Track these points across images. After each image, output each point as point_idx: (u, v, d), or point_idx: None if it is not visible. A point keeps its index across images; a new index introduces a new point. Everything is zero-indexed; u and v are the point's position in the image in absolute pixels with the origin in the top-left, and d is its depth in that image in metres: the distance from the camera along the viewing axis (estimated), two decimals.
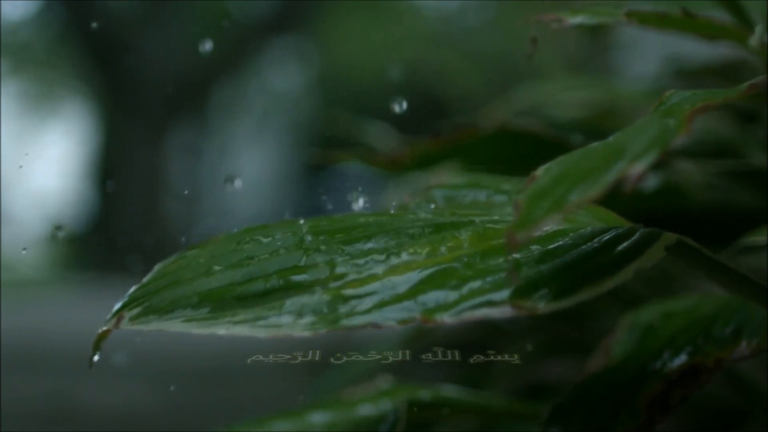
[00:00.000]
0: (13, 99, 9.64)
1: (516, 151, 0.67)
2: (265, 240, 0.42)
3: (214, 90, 7.68)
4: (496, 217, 0.45)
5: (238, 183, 0.73)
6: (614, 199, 0.68)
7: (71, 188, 8.31)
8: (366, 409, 0.54)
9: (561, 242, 0.41)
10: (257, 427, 0.56)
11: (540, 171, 0.39)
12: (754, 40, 0.50)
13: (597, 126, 0.76)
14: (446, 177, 0.55)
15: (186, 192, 7.74)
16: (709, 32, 0.54)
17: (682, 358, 0.47)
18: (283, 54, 8.33)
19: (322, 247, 0.41)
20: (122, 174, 7.24)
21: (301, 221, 0.44)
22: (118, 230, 7.17)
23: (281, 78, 9.01)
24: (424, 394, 0.57)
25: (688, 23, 0.53)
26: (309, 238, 0.42)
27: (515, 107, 0.87)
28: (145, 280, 0.42)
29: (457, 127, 0.67)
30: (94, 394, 1.76)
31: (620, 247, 0.40)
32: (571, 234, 0.42)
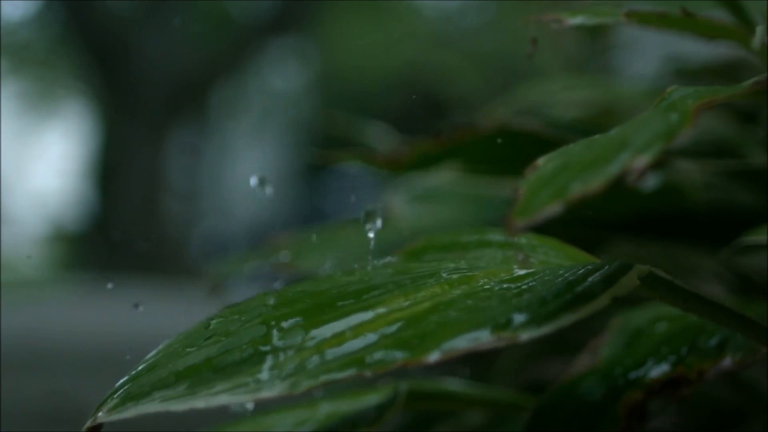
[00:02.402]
0: (13, 99, 9.65)
1: (516, 151, 0.66)
2: (236, 316, 0.42)
3: (214, 90, 7.69)
4: (467, 265, 0.44)
5: (268, 190, 0.72)
6: (615, 198, 0.68)
7: (71, 188, 8.31)
8: (367, 399, 0.54)
9: (537, 278, 0.41)
10: (260, 419, 0.56)
11: (542, 160, 0.38)
12: (756, 40, 0.50)
13: (597, 126, 0.76)
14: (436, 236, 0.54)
15: (186, 192, 7.75)
16: (709, 32, 0.54)
17: (664, 368, 0.47)
18: (283, 54, 8.33)
19: (296, 314, 0.41)
20: (122, 174, 7.24)
21: (269, 295, 0.44)
22: (118, 230, 7.17)
23: (281, 78, 9.01)
24: (428, 386, 0.57)
25: (688, 23, 0.53)
26: (281, 308, 0.42)
27: (515, 107, 0.87)
28: (126, 376, 0.42)
29: (457, 127, 0.67)
30: (94, 394, 1.76)
31: (595, 278, 0.40)
32: (546, 271, 0.42)
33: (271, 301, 0.43)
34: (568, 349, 0.85)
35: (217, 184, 9.14)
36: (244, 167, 9.65)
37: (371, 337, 0.38)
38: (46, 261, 8.02)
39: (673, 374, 0.47)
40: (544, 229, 0.36)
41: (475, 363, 0.94)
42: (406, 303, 0.40)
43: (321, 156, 0.77)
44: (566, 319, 0.37)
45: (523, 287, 0.40)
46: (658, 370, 0.47)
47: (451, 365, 1.04)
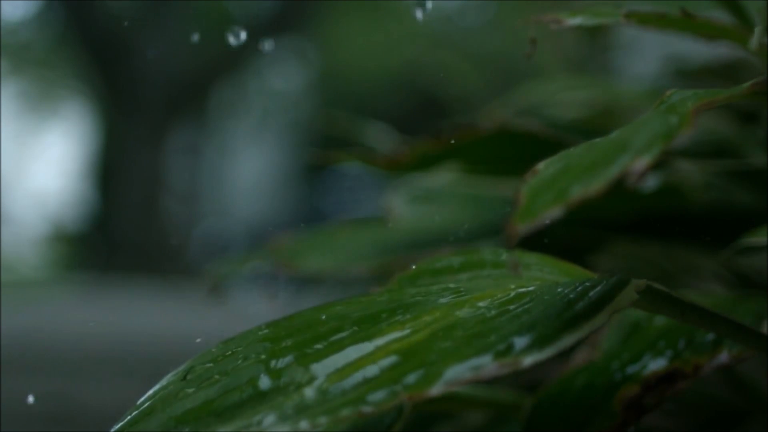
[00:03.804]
0: (14, 99, 9.65)
1: (516, 151, 0.66)
2: (232, 353, 0.41)
3: (214, 90, 7.69)
4: (462, 287, 0.44)
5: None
6: (615, 199, 0.68)
7: (71, 188, 8.31)
8: None
9: (534, 298, 0.41)
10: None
11: (542, 165, 0.39)
12: (754, 41, 0.50)
13: (597, 126, 0.76)
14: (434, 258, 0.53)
15: (186, 192, 7.75)
16: (709, 32, 0.54)
17: (660, 363, 0.47)
18: (283, 54, 8.33)
19: (293, 349, 0.40)
20: (122, 174, 7.24)
21: (264, 329, 0.42)
22: (118, 230, 7.17)
23: (281, 78, 9.01)
24: None
25: (688, 24, 0.53)
26: (277, 343, 0.40)
27: (515, 107, 0.87)
28: (122, 419, 0.40)
29: (457, 127, 0.67)
30: (94, 394, 1.76)
31: (594, 295, 0.39)
32: (544, 290, 0.41)
33: (267, 336, 0.42)
34: (567, 349, 0.85)
35: (217, 184, 9.14)
36: (244, 167, 9.65)
37: (372, 371, 0.37)
38: (46, 261, 8.02)
39: (670, 369, 0.47)
40: (545, 231, 0.36)
41: None
42: (405, 332, 0.40)
43: (321, 156, 0.77)
44: (567, 340, 0.37)
45: (522, 308, 0.40)
46: (655, 365, 0.47)
47: None
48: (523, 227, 0.34)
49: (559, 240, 0.55)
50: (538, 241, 0.48)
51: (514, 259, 0.43)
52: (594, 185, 0.34)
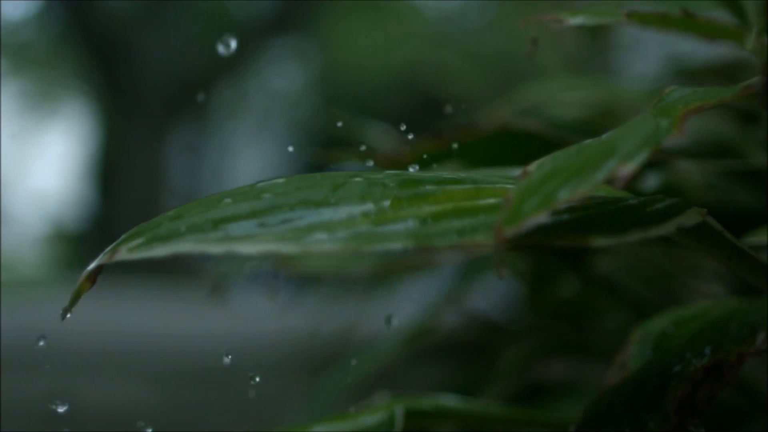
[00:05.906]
0: (14, 98, 9.65)
1: (516, 151, 0.66)
2: (281, 180, 0.40)
3: (214, 90, 7.68)
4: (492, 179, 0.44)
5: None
6: None
7: (71, 188, 8.31)
8: (365, 420, 0.53)
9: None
10: None
11: (533, 166, 0.39)
12: (751, 40, 0.51)
13: (597, 126, 0.76)
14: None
15: (186, 192, 7.75)
16: (710, 32, 0.54)
17: (704, 358, 0.47)
18: (283, 54, 8.33)
19: (349, 185, 0.39)
20: (122, 174, 7.24)
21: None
22: (118, 230, 7.16)
23: (281, 78, 9.01)
24: (422, 404, 0.56)
25: (689, 23, 0.53)
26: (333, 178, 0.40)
27: (516, 107, 0.87)
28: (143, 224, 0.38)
29: (457, 127, 0.67)
30: (94, 394, 1.76)
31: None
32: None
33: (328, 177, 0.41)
34: (568, 349, 0.85)
35: (217, 184, 9.13)
36: (244, 167, 9.65)
37: (424, 218, 0.38)
38: (46, 261, 8.02)
39: (714, 361, 0.46)
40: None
41: (476, 364, 0.94)
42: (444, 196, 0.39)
43: (321, 156, 0.77)
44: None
45: None
46: (698, 361, 0.47)
47: (451, 368, 1.04)
48: (509, 231, 0.34)
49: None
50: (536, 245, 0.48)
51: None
52: (580, 189, 0.35)
